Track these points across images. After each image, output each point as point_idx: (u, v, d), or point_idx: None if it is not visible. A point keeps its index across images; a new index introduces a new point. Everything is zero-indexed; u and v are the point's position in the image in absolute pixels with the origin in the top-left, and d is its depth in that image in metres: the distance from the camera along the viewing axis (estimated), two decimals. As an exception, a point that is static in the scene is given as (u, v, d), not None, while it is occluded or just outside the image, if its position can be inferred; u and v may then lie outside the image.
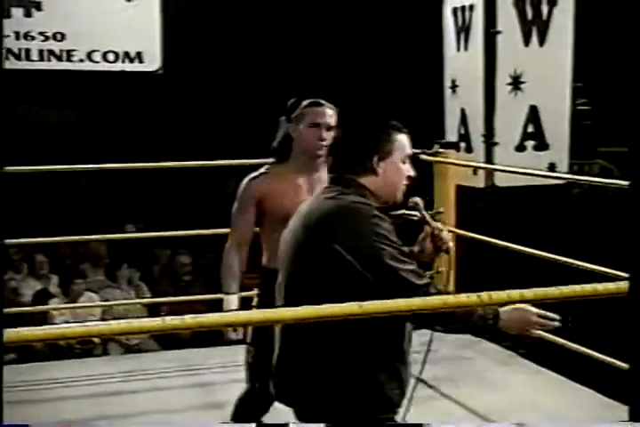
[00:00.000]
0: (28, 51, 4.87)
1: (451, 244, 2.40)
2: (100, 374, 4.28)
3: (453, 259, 4.82)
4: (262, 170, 3.10)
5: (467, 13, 4.80)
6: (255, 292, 3.13)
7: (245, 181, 3.08)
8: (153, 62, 5.08)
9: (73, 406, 3.86)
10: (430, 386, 4.03)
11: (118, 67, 5.02)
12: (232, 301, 3.02)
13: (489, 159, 4.69)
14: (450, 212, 4.75)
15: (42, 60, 4.91)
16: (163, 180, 6.96)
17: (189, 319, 1.70)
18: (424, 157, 4.67)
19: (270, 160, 3.15)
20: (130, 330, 1.74)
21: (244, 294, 3.14)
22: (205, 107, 8.01)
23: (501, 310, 2.17)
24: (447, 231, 2.42)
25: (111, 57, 4.99)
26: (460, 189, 4.81)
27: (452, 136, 4.92)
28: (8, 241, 4.43)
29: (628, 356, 1.87)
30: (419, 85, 5.28)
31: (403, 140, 2.33)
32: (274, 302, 2.67)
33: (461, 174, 4.80)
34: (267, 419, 3.10)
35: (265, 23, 8.22)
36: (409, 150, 2.34)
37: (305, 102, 3.06)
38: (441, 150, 4.77)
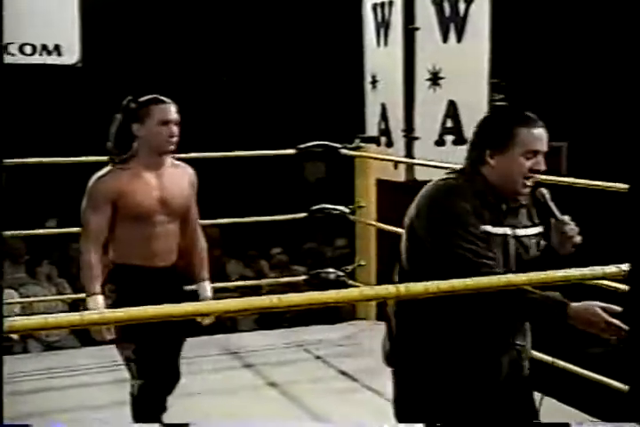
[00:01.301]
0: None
1: (578, 238, 2.35)
2: (20, 371, 4.23)
3: (374, 252, 4.88)
4: (109, 168, 3.11)
5: (386, 9, 4.87)
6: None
7: (94, 179, 3.07)
8: (72, 55, 5.03)
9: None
10: (354, 379, 4.18)
11: (36, 60, 4.96)
12: (97, 300, 3.02)
13: (409, 153, 4.77)
14: (371, 206, 4.83)
15: (-47, 52, 4.82)
16: (81, 174, 6.89)
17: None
18: (345, 151, 4.74)
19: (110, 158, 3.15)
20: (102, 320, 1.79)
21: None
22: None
23: (571, 305, 2.22)
24: (574, 225, 2.37)
25: (28, 50, 4.93)
26: (381, 184, 4.89)
27: (372, 131, 4.98)
28: None
29: (629, 355, 1.90)
30: (340, 80, 5.35)
31: (525, 135, 2.34)
32: (131, 295, 2.98)
33: (382, 169, 4.87)
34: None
35: (183, 16, 8.22)
36: (532, 146, 2.34)
37: (145, 99, 3.08)
38: (362, 145, 4.83)
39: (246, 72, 8.64)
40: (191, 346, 4.55)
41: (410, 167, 4.76)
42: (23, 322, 1.70)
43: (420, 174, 4.78)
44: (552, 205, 2.39)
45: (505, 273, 2.25)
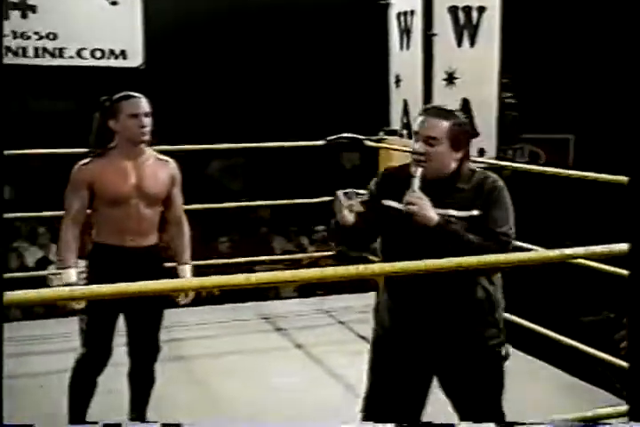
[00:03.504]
0: (24, 48, 5.50)
1: (411, 207, 2.56)
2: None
3: None
4: (91, 157, 3.35)
5: (408, 17, 5.44)
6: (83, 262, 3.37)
7: (77, 166, 3.34)
8: (135, 59, 5.71)
9: None
10: None
11: (104, 63, 5.65)
12: (71, 273, 3.24)
13: (427, 146, 5.34)
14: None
15: (37, 56, 5.54)
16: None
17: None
18: (369, 142, 5.35)
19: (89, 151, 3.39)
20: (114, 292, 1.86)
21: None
22: (185, 99, 8.71)
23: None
24: (416, 196, 2.57)
25: (98, 54, 5.62)
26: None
27: (396, 124, 5.59)
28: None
29: (629, 355, 1.99)
30: (368, 80, 5.91)
31: (418, 119, 2.70)
32: (103, 271, 3.17)
33: (404, 159, 5.45)
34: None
35: (233, 21, 8.87)
36: (416, 128, 2.68)
37: (116, 97, 3.32)
38: (385, 137, 5.43)
39: (291, 74, 9.29)
40: (233, 310, 5.19)
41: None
42: (19, 295, 1.79)
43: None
44: (415, 181, 2.59)
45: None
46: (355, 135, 5.29)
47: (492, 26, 5.33)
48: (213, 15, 8.69)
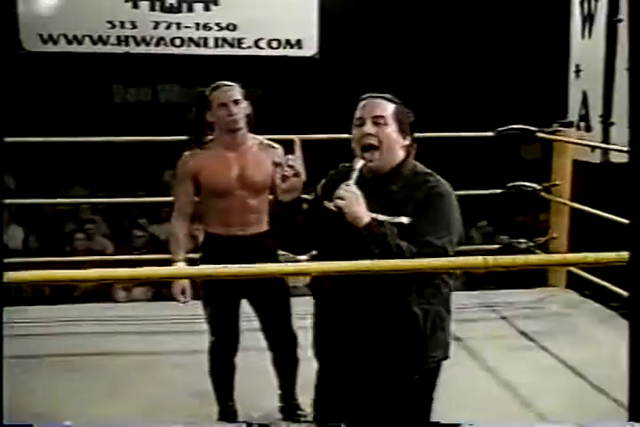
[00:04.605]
0: (205, 39, 5.72)
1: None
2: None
3: (567, 227, 5.07)
4: (194, 150, 3.37)
5: (592, 3, 5.21)
6: (198, 255, 3.42)
7: (182, 158, 3.36)
8: (310, 48, 5.80)
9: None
10: (531, 339, 4.51)
11: (280, 52, 5.78)
12: (181, 266, 3.25)
13: (606, 138, 5.10)
14: (565, 184, 5.22)
15: (217, 47, 5.75)
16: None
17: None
18: (541, 134, 5.16)
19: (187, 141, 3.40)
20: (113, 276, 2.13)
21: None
22: (359, 88, 8.75)
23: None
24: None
25: (274, 44, 5.76)
26: (576, 164, 5.25)
27: (573, 116, 5.36)
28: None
29: (629, 354, 2.01)
30: (546, 70, 5.71)
31: (358, 107, 2.48)
32: (216, 261, 3.01)
33: (579, 151, 5.25)
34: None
35: (407, 10, 8.82)
36: (357, 114, 2.45)
37: (208, 88, 3.34)
38: (560, 129, 5.23)
39: (468, 63, 9.14)
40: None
41: (605, 151, 5.10)
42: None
43: (615, 157, 5.11)
44: (354, 173, 2.37)
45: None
46: (526, 127, 5.12)
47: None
48: (389, 3, 8.68)
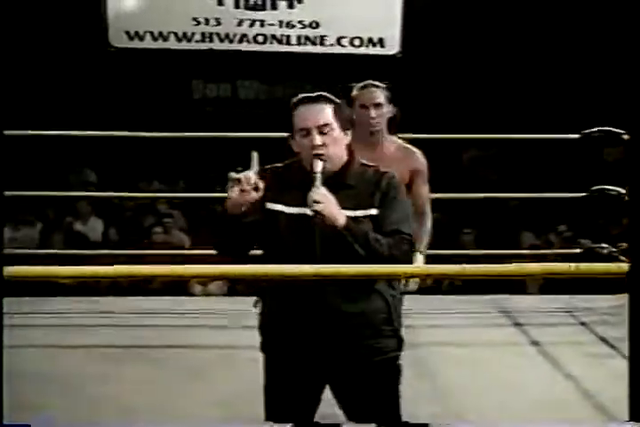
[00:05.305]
0: (288, 37, 5.75)
1: (317, 206, 2.31)
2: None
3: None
4: None
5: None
6: None
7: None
8: (393, 47, 5.78)
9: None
10: (612, 346, 4.37)
11: (362, 51, 5.78)
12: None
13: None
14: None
15: (299, 44, 5.77)
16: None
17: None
18: (627, 137, 5.03)
19: None
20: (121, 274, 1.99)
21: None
22: (441, 88, 8.72)
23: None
24: (318, 194, 2.33)
25: (357, 42, 5.75)
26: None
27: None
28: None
29: (629, 356, 2.01)
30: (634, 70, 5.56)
31: (295, 115, 2.40)
32: None
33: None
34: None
35: (496, 10, 8.71)
36: (300, 125, 2.38)
37: (355, 86, 3.34)
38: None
39: (551, 63, 8.99)
40: (471, 302, 5.14)
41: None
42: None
43: None
44: (318, 177, 2.35)
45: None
46: (613, 129, 5.00)
47: None
48: (473, 1, 8.60)
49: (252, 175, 2.30)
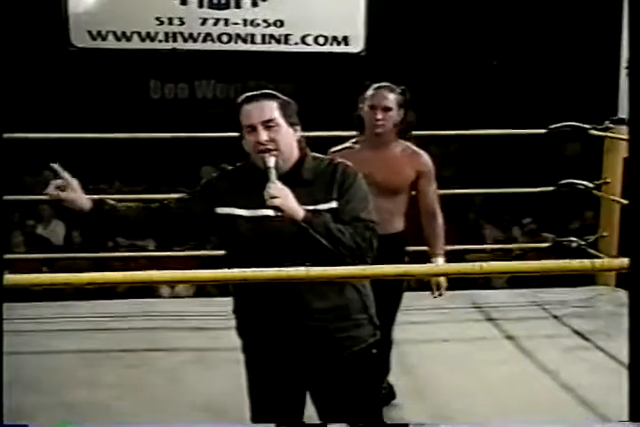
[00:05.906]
0: (252, 35, 5.74)
1: (274, 200, 2.31)
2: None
3: (617, 225, 5.00)
4: (346, 144, 3.41)
5: (644, -1, 5.16)
6: None
7: (329, 153, 3.28)
8: (357, 45, 5.80)
9: None
10: (586, 338, 4.44)
11: (327, 49, 5.79)
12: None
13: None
14: (616, 182, 5.16)
15: (264, 43, 5.77)
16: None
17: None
18: (594, 132, 5.11)
19: (355, 133, 3.47)
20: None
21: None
22: (406, 86, 8.72)
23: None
24: (274, 189, 2.32)
25: (321, 40, 5.76)
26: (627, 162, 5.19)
27: (624, 113, 5.30)
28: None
29: (630, 356, 1.99)
30: (595, 67, 5.66)
31: (241, 113, 2.39)
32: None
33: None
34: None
35: (456, 7, 8.77)
36: (246, 122, 2.38)
37: (368, 86, 3.35)
38: (611, 126, 5.17)
39: (513, 59, 9.06)
40: (444, 298, 5.15)
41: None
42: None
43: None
44: (271, 171, 2.34)
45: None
46: (579, 124, 5.07)
47: None
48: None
49: (57, 182, 2.47)
